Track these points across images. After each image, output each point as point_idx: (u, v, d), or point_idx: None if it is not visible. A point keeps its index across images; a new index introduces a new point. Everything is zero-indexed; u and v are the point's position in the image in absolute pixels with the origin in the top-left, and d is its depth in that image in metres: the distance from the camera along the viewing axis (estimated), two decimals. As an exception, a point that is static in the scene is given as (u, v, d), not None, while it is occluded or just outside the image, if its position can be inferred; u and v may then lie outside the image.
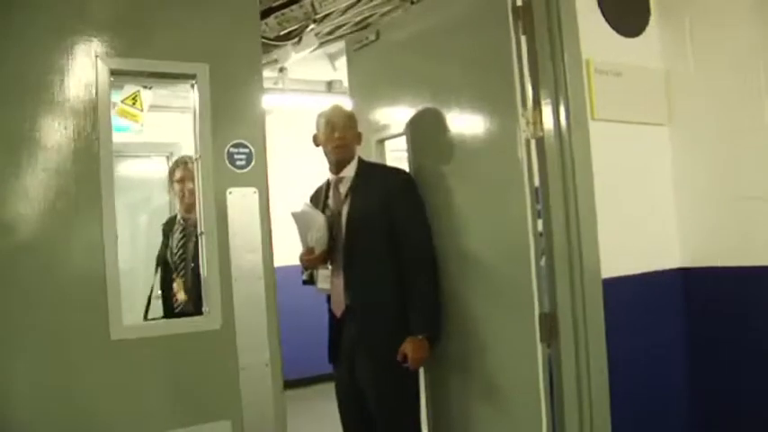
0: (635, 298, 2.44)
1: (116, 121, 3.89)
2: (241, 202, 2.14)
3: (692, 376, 2.54)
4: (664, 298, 2.54)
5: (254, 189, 2.18)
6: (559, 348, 2.29)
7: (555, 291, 2.30)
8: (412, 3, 3.20)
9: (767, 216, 2.32)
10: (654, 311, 2.51)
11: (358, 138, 2.69)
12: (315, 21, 3.48)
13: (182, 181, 3.20)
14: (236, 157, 2.16)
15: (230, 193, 2.14)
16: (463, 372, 2.61)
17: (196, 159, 2.17)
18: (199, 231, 2.17)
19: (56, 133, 1.97)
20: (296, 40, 3.65)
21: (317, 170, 2.82)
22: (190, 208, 3.16)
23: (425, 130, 2.75)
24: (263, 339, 2.15)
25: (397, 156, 3.11)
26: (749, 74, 2.36)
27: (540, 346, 2.30)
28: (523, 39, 2.35)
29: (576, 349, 2.28)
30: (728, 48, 2.43)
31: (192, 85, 2.19)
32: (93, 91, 2.02)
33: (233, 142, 2.16)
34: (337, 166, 2.67)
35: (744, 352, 2.39)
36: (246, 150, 2.17)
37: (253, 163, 2.18)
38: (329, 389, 2.75)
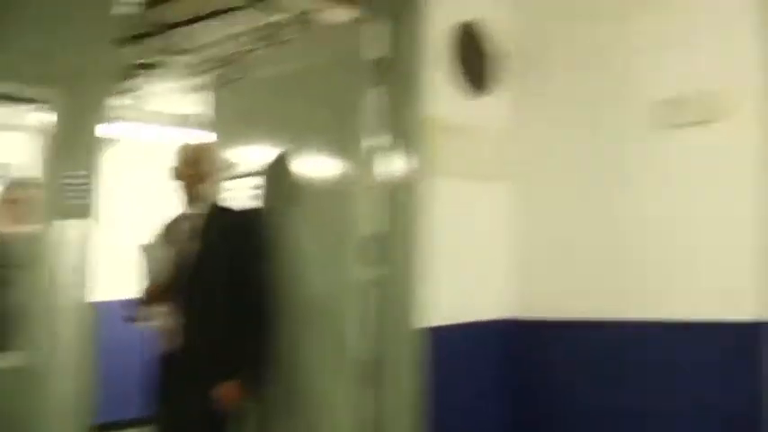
0: (457, 347, 2.52)
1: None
2: (72, 233, 2.05)
3: (514, 423, 2.66)
4: (485, 348, 2.67)
5: (86, 221, 2.10)
6: (380, 394, 2.36)
7: (378, 338, 2.38)
8: (277, 44, 3.24)
9: (586, 271, 2.53)
10: (474, 362, 2.62)
11: (212, 175, 2.65)
12: (177, 53, 3.43)
13: (10, 202, 2.95)
14: (72, 187, 2.07)
15: (62, 224, 2.05)
16: (289, 415, 2.61)
17: (30, 186, 2.06)
18: (15, 262, 2.05)
19: None
20: (156, 70, 3.58)
21: (169, 204, 2.73)
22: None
23: (278, 172, 2.78)
24: (77, 376, 2.05)
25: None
26: (576, 137, 2.59)
27: (361, 392, 2.37)
28: (375, 90, 2.45)
29: (396, 396, 2.35)
30: (559, 113, 2.66)
31: (39, 110, 2.10)
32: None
33: (72, 173, 2.09)
34: (189, 202, 2.63)
35: (556, 399, 2.56)
36: (84, 181, 2.09)
37: (88, 195, 2.11)
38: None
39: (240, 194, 3.03)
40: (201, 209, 2.61)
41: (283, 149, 2.75)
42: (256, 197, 2.87)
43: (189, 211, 2.63)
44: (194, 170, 2.58)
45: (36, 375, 2.03)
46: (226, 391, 2.42)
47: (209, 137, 3.20)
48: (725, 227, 2.22)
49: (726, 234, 2.22)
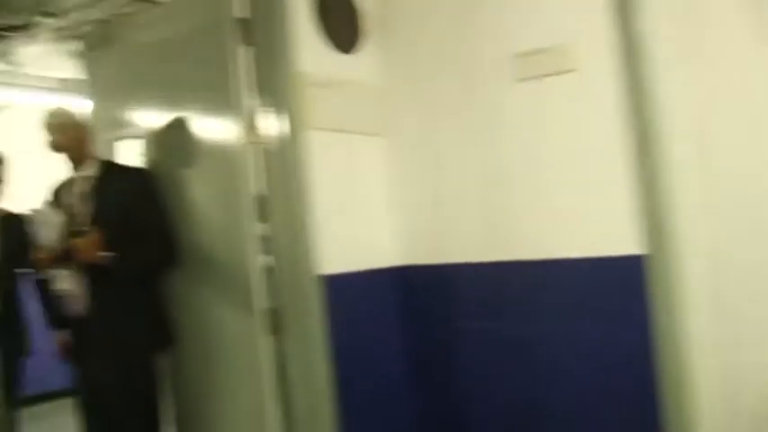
0: (355, 292, 2.67)
1: None
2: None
3: (413, 360, 2.86)
4: (383, 293, 2.82)
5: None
6: (285, 340, 2.50)
7: (278, 287, 2.50)
8: (153, 3, 3.23)
9: (462, 217, 2.68)
10: (375, 305, 2.79)
11: (83, 138, 2.65)
12: (47, 14, 3.36)
13: None
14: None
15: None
16: (201, 367, 2.71)
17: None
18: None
19: None
20: (27, 32, 3.49)
21: (58, 167, 2.74)
22: None
23: (162, 133, 2.81)
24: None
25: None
26: (445, 89, 2.72)
27: (266, 339, 2.49)
28: (246, 49, 2.51)
29: (301, 340, 2.49)
30: (427, 66, 2.77)
31: None
32: None
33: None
34: (74, 165, 2.65)
35: (448, 336, 2.76)
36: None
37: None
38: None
39: (127, 155, 3.08)
40: (87, 170, 2.64)
41: (178, 114, 2.77)
42: (146, 157, 2.89)
43: (77, 174, 2.65)
44: (63, 137, 2.60)
45: None
46: (85, 244, 2.44)
47: (86, 102, 3.18)
48: (591, 169, 2.38)
49: (590, 174, 2.38)
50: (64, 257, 2.52)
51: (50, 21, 3.47)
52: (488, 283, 2.65)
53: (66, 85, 5.12)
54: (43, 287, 3.19)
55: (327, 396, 2.47)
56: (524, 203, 2.54)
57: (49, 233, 2.52)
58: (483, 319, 2.67)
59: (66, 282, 2.56)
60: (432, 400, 2.83)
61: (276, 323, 2.50)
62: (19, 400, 3.07)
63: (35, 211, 2.57)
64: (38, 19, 3.40)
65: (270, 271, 2.51)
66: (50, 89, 5.09)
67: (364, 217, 2.80)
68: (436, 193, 2.78)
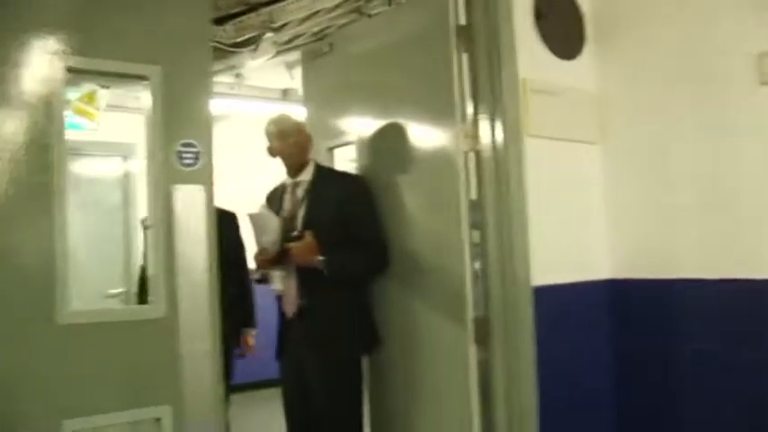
0: (566, 305, 2.58)
1: (71, 118, 3.92)
2: (187, 198, 2.21)
3: (619, 378, 2.71)
4: (593, 306, 2.70)
5: (200, 186, 2.25)
6: (492, 350, 2.43)
7: (489, 296, 2.45)
8: (369, 16, 3.33)
9: (687, 230, 2.49)
10: (584, 318, 2.67)
11: (302, 144, 2.74)
12: (272, 29, 3.59)
13: None
14: (184, 155, 2.23)
15: (177, 189, 2.21)
16: (403, 371, 2.71)
17: (147, 157, 2.25)
18: (147, 225, 2.25)
19: (9, 125, 2.02)
20: (253, 47, 3.76)
21: (275, 172, 2.90)
22: None
23: (375, 140, 2.86)
24: (204, 329, 2.21)
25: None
26: (673, 96, 2.54)
27: (473, 348, 2.43)
28: (464, 56, 2.48)
29: (508, 351, 2.42)
30: (654, 72, 2.61)
31: (145, 86, 2.24)
32: (48, 86, 2.06)
33: (182, 141, 2.23)
34: (290, 171, 2.76)
35: (663, 356, 2.58)
36: (194, 150, 2.24)
37: (200, 162, 2.25)
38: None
39: (341, 162, 3.16)
40: (305, 176, 2.73)
41: (379, 119, 2.82)
42: (359, 163, 2.96)
43: (293, 179, 2.75)
44: (283, 143, 2.70)
45: (172, 326, 2.19)
46: (302, 247, 2.51)
47: (302, 110, 3.31)
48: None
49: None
50: (279, 259, 2.62)
51: (273, 35, 3.70)
52: (715, 302, 2.43)
53: (284, 95, 5.48)
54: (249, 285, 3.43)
55: (532, 410, 2.40)
56: (764, 217, 2.29)
57: (266, 236, 2.62)
58: (701, 340, 2.47)
59: (280, 282, 2.67)
60: (636, 422, 2.67)
61: (483, 332, 2.45)
62: (231, 387, 3.27)
63: (254, 214, 2.68)
64: (263, 35, 3.64)
65: (479, 279, 2.46)
66: (269, 99, 5.46)
67: (579, 227, 2.70)
68: (659, 204, 2.60)
